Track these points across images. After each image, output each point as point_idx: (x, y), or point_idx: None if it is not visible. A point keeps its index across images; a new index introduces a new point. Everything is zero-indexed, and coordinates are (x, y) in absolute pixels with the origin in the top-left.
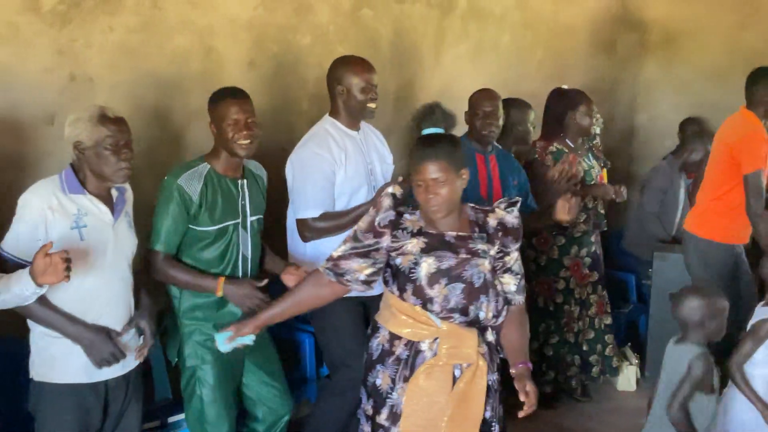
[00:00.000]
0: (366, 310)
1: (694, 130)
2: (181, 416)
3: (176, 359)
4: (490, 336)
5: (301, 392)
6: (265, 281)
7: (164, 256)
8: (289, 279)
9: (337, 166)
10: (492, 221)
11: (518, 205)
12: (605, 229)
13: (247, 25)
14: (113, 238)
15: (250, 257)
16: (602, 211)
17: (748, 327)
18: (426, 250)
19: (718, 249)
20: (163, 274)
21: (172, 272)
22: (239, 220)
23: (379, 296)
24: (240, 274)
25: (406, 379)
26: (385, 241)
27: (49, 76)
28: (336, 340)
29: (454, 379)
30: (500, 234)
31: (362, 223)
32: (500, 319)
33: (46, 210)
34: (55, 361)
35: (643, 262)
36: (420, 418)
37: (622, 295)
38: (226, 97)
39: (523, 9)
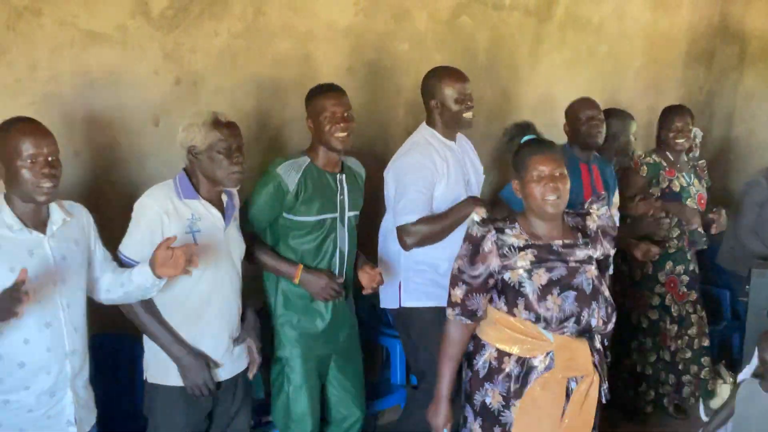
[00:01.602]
0: None
1: None
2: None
3: (271, 348)
4: (598, 344)
5: (390, 398)
6: (342, 279)
7: (249, 235)
8: (362, 276)
9: (439, 177)
10: (591, 224)
11: (604, 200)
12: (705, 247)
13: (346, 31)
14: (225, 243)
15: (347, 252)
16: (700, 230)
17: None
18: (536, 263)
19: None
20: (250, 252)
21: (256, 251)
22: (337, 215)
23: None
24: (336, 268)
25: (519, 396)
26: (495, 263)
27: (156, 78)
28: (424, 349)
29: (568, 392)
30: (600, 236)
31: (460, 261)
32: (610, 326)
33: (162, 214)
34: (170, 364)
35: (739, 278)
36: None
37: (716, 312)
38: (323, 91)
39: (621, 18)
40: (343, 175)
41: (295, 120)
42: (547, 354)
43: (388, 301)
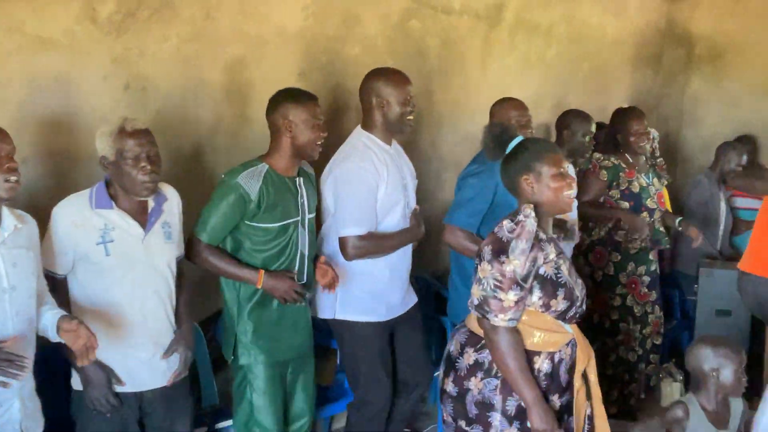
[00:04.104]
0: (393, 334)
1: (727, 142)
2: (229, 422)
3: (231, 357)
4: None
5: (343, 402)
6: (303, 282)
7: (206, 245)
8: (318, 271)
9: (380, 181)
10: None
11: None
12: (667, 246)
13: (297, 36)
14: (143, 252)
15: (307, 254)
16: (661, 229)
17: None
18: (558, 253)
19: None
20: (203, 260)
21: (213, 260)
22: (299, 218)
23: (408, 319)
24: (297, 269)
25: (556, 391)
26: (540, 257)
27: (104, 84)
28: (355, 362)
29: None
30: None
31: (515, 261)
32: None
33: (70, 225)
34: None
35: (688, 277)
36: (575, 421)
37: (666, 312)
38: (310, 98)
39: (569, 22)
40: (301, 179)
41: (253, 122)
42: (568, 344)
43: (324, 310)
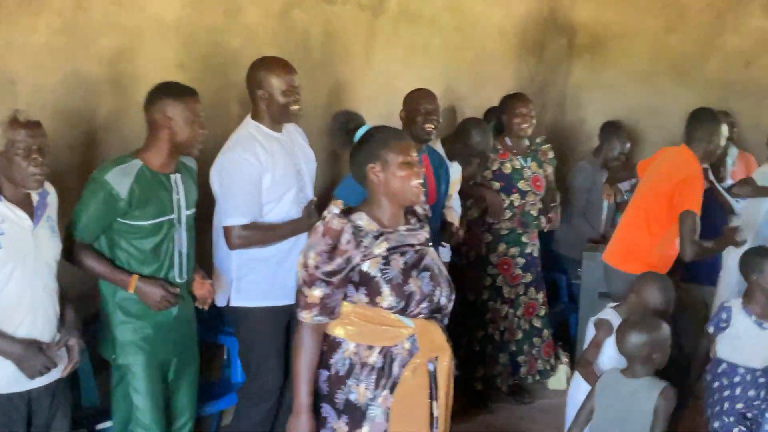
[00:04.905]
0: (290, 319)
1: (609, 129)
2: (108, 424)
3: (113, 356)
4: (445, 322)
5: (230, 398)
6: (177, 290)
7: (79, 244)
8: (195, 286)
9: (264, 171)
10: (419, 209)
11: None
12: (542, 228)
13: (175, 26)
14: (34, 244)
15: (185, 252)
16: (533, 213)
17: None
18: (391, 249)
19: None
20: (78, 259)
21: (87, 261)
22: (174, 216)
23: None
24: (176, 269)
25: (386, 387)
26: (357, 255)
27: None
28: (252, 349)
29: (430, 374)
30: (425, 219)
31: (316, 258)
32: (451, 304)
33: None
34: None
35: (573, 261)
36: (411, 418)
37: (554, 296)
38: (190, 93)
39: (453, 12)
40: (178, 175)
41: (129, 116)
42: (409, 339)
43: (219, 297)
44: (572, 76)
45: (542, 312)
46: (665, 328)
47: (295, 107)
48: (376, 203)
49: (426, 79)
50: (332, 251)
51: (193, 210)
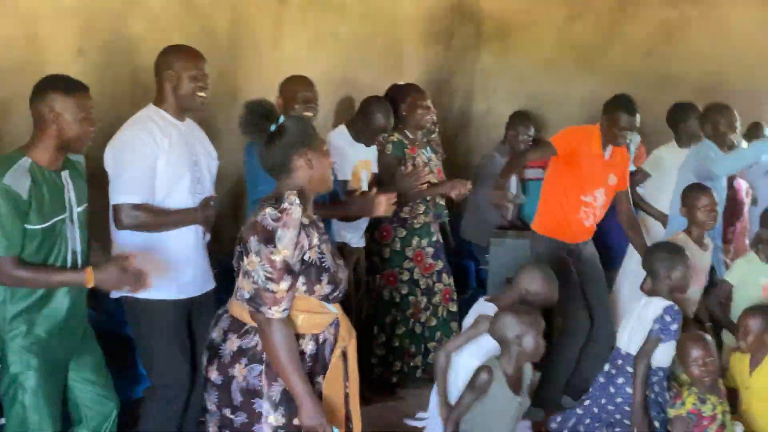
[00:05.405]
0: (191, 314)
1: (516, 119)
2: (1, 421)
3: (5, 363)
4: None
5: (140, 388)
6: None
7: (10, 259)
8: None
9: (160, 152)
10: None
11: None
12: (446, 219)
13: (75, 10)
14: None
15: (79, 250)
16: (442, 203)
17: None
18: (321, 236)
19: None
20: (11, 277)
21: (22, 274)
22: (66, 214)
23: (205, 303)
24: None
25: (320, 372)
26: (306, 244)
27: None
28: (147, 343)
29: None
30: None
31: (284, 251)
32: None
33: None
34: None
35: (482, 248)
36: (334, 398)
37: (464, 283)
38: (81, 88)
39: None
40: (67, 171)
41: (22, 105)
42: (332, 324)
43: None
44: (480, 64)
45: (455, 296)
46: (536, 314)
47: (202, 94)
48: (298, 192)
49: (334, 67)
50: (296, 242)
51: (84, 206)
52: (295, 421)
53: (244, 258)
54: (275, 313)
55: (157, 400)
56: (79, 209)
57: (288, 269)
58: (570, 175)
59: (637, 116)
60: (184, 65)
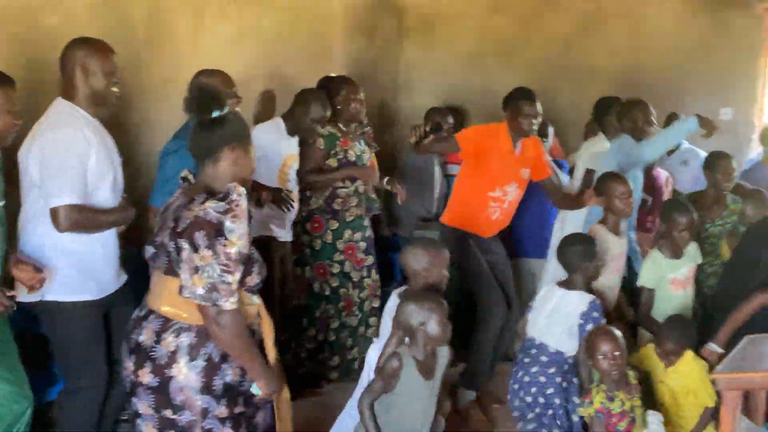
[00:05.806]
0: (108, 314)
1: (432, 113)
2: None
3: None
4: None
5: (55, 389)
6: (13, 292)
7: None
8: (19, 272)
9: (90, 149)
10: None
11: None
12: (378, 212)
13: None
14: None
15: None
16: (374, 196)
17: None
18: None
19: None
20: None
21: None
22: None
23: (122, 298)
24: None
25: None
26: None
27: None
28: (78, 346)
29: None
30: None
31: (239, 242)
32: None
33: None
34: None
35: (406, 240)
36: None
37: (389, 275)
38: (5, 82)
39: None
40: None
41: None
42: (257, 315)
43: (29, 294)
44: (403, 58)
45: (379, 292)
46: (437, 299)
47: (115, 90)
48: (222, 185)
49: (256, 60)
50: (248, 232)
51: (3, 202)
52: (236, 410)
53: (191, 254)
54: (231, 304)
55: (73, 402)
56: None
57: (241, 260)
58: (478, 173)
59: (537, 103)
60: (97, 60)
